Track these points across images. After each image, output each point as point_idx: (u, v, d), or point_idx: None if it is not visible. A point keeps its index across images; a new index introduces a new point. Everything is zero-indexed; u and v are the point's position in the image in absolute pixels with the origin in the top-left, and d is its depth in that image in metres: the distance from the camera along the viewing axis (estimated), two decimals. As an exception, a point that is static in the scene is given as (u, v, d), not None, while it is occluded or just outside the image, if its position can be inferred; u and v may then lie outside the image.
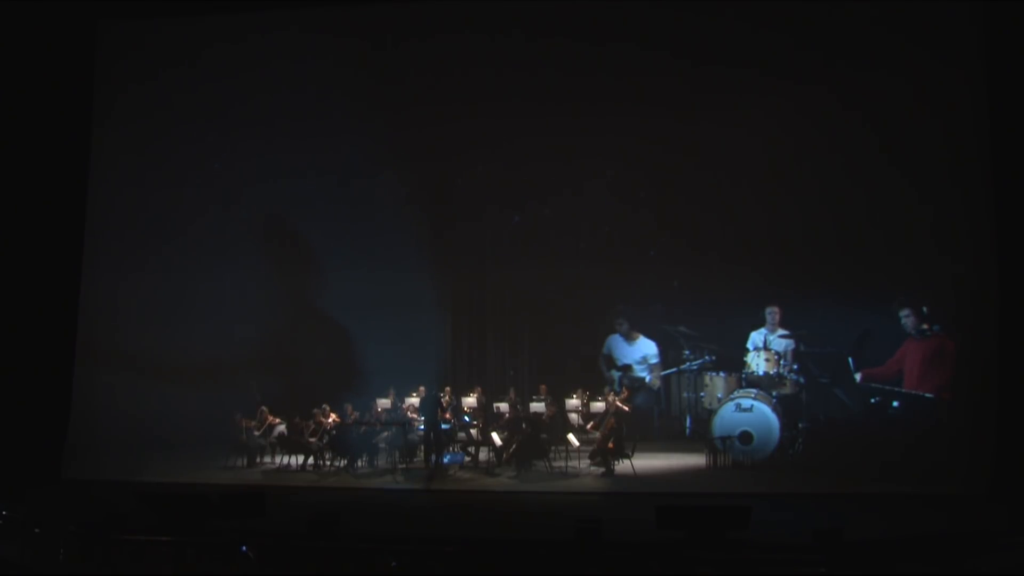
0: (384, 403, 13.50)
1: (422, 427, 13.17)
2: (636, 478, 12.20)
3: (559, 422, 13.08)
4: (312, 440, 13.27)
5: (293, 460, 13.50)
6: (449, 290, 14.23)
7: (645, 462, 12.50)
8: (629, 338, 13.84)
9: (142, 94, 14.21)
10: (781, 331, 13.06)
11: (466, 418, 13.18)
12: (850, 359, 12.56)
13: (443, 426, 13.03)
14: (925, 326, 12.36)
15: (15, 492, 10.73)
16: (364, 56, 13.85)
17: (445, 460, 12.98)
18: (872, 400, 12.43)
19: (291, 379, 13.93)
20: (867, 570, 7.63)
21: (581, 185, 13.99)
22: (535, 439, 12.69)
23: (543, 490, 12.17)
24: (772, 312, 13.10)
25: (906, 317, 12.45)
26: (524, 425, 12.77)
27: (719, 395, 13.05)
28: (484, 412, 13.42)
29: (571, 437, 12.82)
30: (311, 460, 13.32)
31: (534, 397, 13.42)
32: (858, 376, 12.51)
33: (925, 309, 12.36)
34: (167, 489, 10.71)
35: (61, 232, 13.90)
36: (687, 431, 13.64)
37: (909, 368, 12.35)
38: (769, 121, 12.87)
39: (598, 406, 13.03)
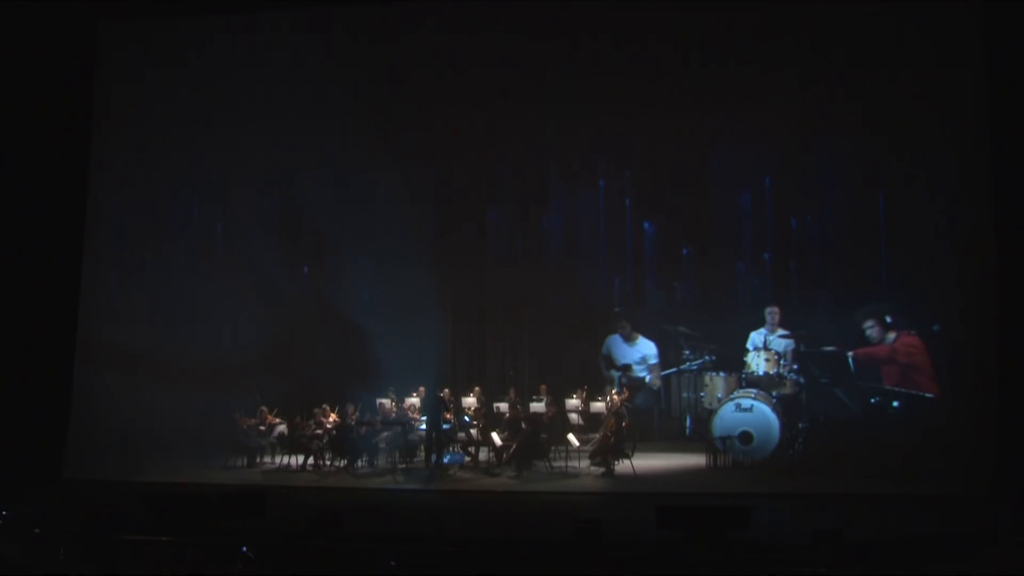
0: (388, 403, 13.47)
1: (423, 427, 13.17)
2: (636, 478, 12.20)
3: (559, 422, 13.07)
4: (313, 440, 13.27)
5: (293, 460, 13.49)
6: (449, 290, 14.22)
7: (645, 462, 12.50)
8: (629, 339, 13.84)
9: (142, 94, 14.20)
10: (781, 331, 13.07)
11: (466, 418, 13.18)
12: (850, 358, 12.56)
13: (443, 426, 13.03)
14: (892, 334, 12.38)
15: (15, 492, 10.73)
16: (365, 55, 13.84)
17: (445, 460, 12.98)
18: (872, 400, 12.45)
19: (291, 379, 13.91)
20: (867, 570, 7.64)
21: (582, 185, 14.00)
22: (535, 439, 12.69)
23: (543, 490, 12.16)
24: (772, 312, 13.11)
25: (870, 328, 12.47)
26: (524, 425, 12.77)
27: (719, 395, 13.05)
28: (484, 412, 13.41)
29: (571, 437, 12.81)
30: (311, 460, 13.32)
31: (534, 397, 13.40)
32: (850, 355, 12.50)
33: (889, 319, 12.38)
34: (167, 489, 10.71)
35: (61, 232, 13.89)
36: (687, 431, 13.65)
37: (886, 374, 12.40)
38: (769, 120, 12.91)
39: (598, 406, 13.03)
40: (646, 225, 13.83)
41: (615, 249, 13.95)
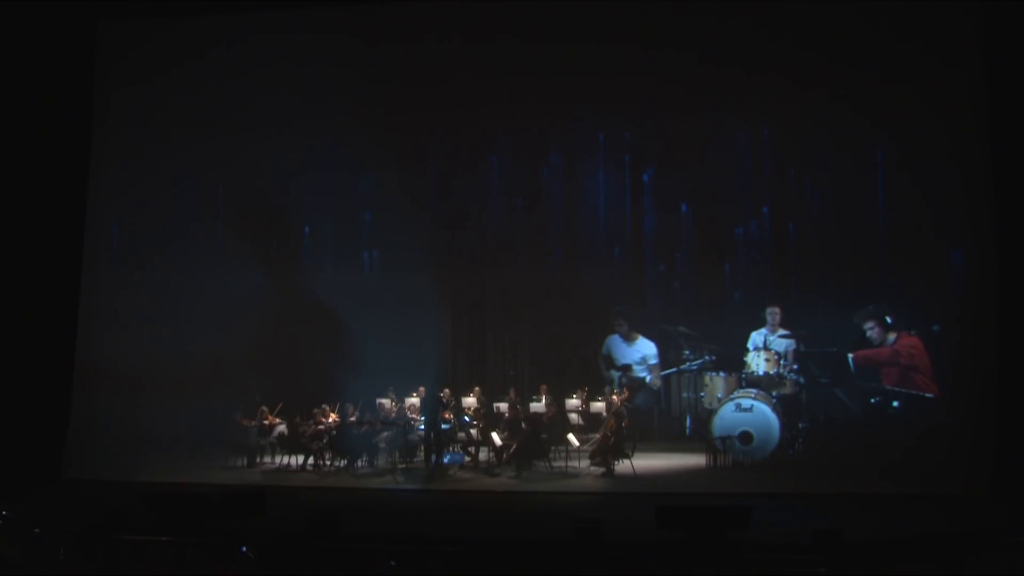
0: (388, 403, 13.47)
1: (422, 427, 13.17)
2: (636, 478, 12.20)
3: (559, 422, 13.07)
4: (313, 440, 13.26)
5: (293, 460, 13.50)
6: (449, 290, 14.22)
7: (645, 462, 12.50)
8: (628, 339, 13.84)
9: (142, 94, 14.20)
10: (781, 331, 13.07)
11: (466, 418, 13.18)
12: (850, 359, 12.56)
13: (443, 426, 13.04)
14: (892, 335, 12.37)
15: (15, 492, 10.73)
16: (364, 56, 13.84)
17: (445, 460, 12.99)
18: (872, 400, 12.45)
19: (291, 379, 13.91)
20: (867, 570, 7.63)
21: (581, 184, 14.01)
22: (535, 439, 12.69)
23: (543, 490, 12.17)
24: (773, 312, 13.11)
25: (871, 330, 12.46)
26: (524, 425, 12.77)
27: (719, 395, 13.05)
28: (484, 412, 13.41)
29: (571, 437, 12.82)
30: (311, 460, 13.32)
31: (534, 397, 13.41)
32: (851, 356, 12.49)
33: (889, 319, 12.38)
34: (167, 489, 10.71)
35: (61, 232, 13.89)
36: (687, 431, 13.65)
37: (886, 374, 12.40)
38: (770, 120, 12.93)
39: (598, 406, 13.03)
40: (645, 178, 13.79)
41: (615, 248, 13.93)
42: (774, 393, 12.72)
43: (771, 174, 13.32)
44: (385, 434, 13.28)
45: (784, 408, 12.60)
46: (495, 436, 12.88)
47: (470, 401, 13.52)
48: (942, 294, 12.41)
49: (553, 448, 12.90)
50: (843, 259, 12.96)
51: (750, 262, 13.48)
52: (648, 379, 13.73)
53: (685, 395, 13.75)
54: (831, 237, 13.08)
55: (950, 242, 12.36)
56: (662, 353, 13.79)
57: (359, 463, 13.26)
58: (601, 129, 13.83)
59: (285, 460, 13.57)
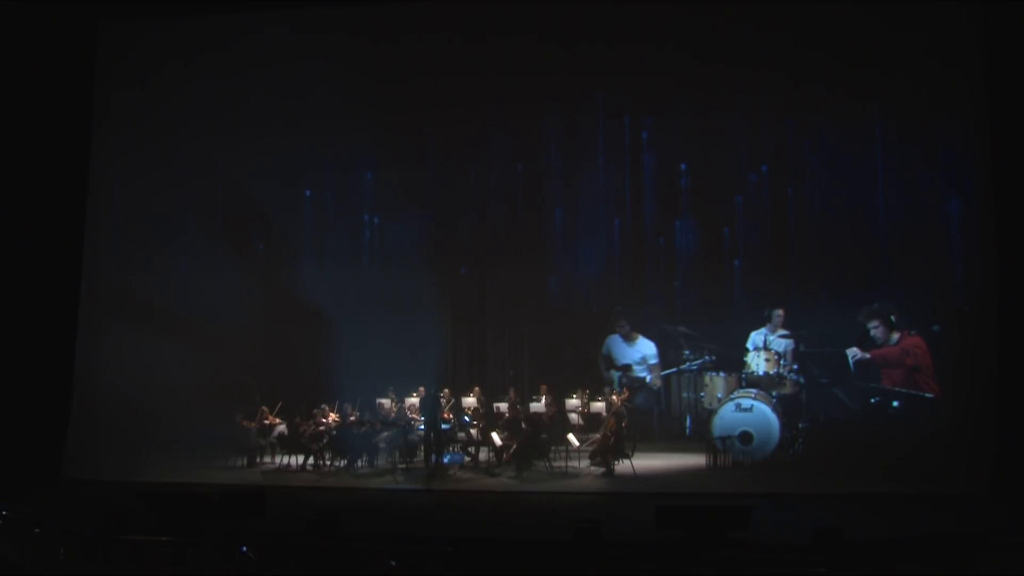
0: (388, 403, 13.47)
1: (422, 427, 13.17)
2: (636, 478, 12.20)
3: (559, 422, 13.07)
4: (313, 440, 13.25)
5: (293, 460, 13.50)
6: (449, 290, 14.22)
7: (645, 462, 12.50)
8: (628, 339, 13.84)
9: (142, 94, 14.20)
10: (781, 331, 13.07)
11: (466, 418, 13.18)
12: (850, 358, 12.55)
13: (443, 426, 13.04)
14: (896, 335, 12.37)
15: (15, 492, 10.73)
16: (363, 55, 13.84)
17: (445, 460, 12.98)
18: (872, 400, 12.45)
19: (291, 379, 13.91)
20: (867, 570, 7.64)
21: (582, 184, 14.01)
22: (535, 439, 12.69)
23: (543, 490, 12.16)
24: (778, 314, 13.09)
25: (875, 329, 12.45)
26: (524, 425, 12.77)
27: (719, 395, 13.05)
28: (484, 412, 13.41)
29: (571, 437, 12.81)
30: (311, 460, 13.32)
31: (534, 397, 13.41)
32: (867, 355, 12.46)
33: (893, 318, 12.38)
34: (167, 489, 10.71)
35: (62, 231, 13.89)
36: (687, 431, 13.65)
37: (887, 374, 12.40)
38: (771, 121, 12.94)
39: (598, 406, 13.03)
40: (644, 135, 13.75)
41: (616, 248, 13.92)
42: (774, 393, 12.72)
43: (771, 174, 13.33)
44: (385, 434, 13.28)
45: (784, 408, 12.60)
46: (495, 436, 12.88)
47: (470, 401, 13.52)
48: (942, 294, 12.41)
49: (553, 448, 12.89)
50: (843, 255, 12.94)
51: (749, 224, 13.43)
52: (648, 379, 13.73)
53: (685, 395, 13.76)
54: (832, 238, 13.06)
55: (950, 242, 12.36)
56: (662, 353, 13.79)
57: (359, 463, 13.26)
58: (600, 89, 13.75)
59: (285, 460, 13.57)
